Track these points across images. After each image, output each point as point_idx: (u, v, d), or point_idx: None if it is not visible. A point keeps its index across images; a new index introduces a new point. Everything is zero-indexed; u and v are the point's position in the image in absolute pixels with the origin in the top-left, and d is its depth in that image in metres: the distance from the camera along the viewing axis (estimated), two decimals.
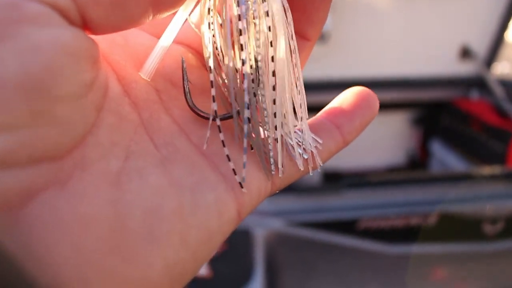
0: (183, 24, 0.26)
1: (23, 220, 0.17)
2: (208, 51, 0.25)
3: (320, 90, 1.91)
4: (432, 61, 2.21)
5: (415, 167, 2.42)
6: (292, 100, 0.26)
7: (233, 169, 0.24)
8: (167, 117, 0.25)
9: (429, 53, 2.20)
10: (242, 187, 0.24)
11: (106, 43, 0.25)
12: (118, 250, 0.19)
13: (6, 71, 0.16)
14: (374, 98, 0.30)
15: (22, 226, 0.17)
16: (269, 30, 0.24)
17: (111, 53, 0.25)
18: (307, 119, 0.28)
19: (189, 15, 0.26)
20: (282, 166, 0.26)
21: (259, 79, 0.25)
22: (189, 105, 0.26)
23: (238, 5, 0.23)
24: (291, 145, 0.27)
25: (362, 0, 2.00)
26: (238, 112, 0.25)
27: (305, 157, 0.27)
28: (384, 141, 2.42)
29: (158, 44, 0.26)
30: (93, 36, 0.21)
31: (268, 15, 0.24)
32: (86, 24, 0.20)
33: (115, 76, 0.24)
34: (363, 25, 2.06)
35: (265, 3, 0.24)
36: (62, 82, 0.18)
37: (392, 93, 2.21)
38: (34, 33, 0.17)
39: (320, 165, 0.28)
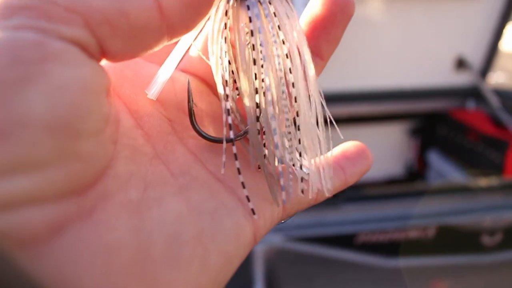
0: (188, 50, 0.27)
1: (53, 252, 0.18)
2: (222, 77, 0.26)
3: None
4: (428, 72, 2.23)
5: (413, 177, 2.42)
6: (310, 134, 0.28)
7: (247, 196, 0.25)
8: (181, 147, 0.26)
9: (425, 64, 2.21)
10: (254, 213, 0.25)
11: (116, 77, 0.25)
12: (143, 276, 0.20)
13: (34, 111, 0.17)
14: (369, 152, 0.33)
15: (53, 257, 0.18)
16: (287, 57, 0.25)
17: (121, 87, 0.26)
18: (325, 154, 0.29)
19: (194, 40, 0.27)
20: (291, 195, 0.27)
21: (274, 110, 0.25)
22: (192, 126, 0.26)
23: (252, 35, 0.24)
24: (302, 176, 0.27)
25: (357, 12, 2.02)
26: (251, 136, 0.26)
27: (314, 189, 0.28)
28: (382, 152, 2.43)
29: (164, 65, 0.26)
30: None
31: (284, 43, 0.25)
32: (104, 54, 0.21)
33: (126, 110, 0.25)
34: (358, 37, 2.07)
35: (281, 31, 0.25)
36: (86, 119, 0.19)
37: (388, 104, 2.22)
38: (59, 72, 0.18)
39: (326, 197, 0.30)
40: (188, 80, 0.27)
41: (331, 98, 2.18)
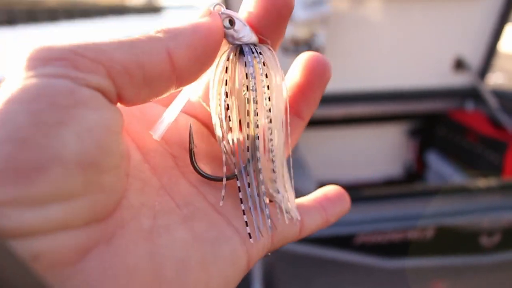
0: (191, 97, 0.31)
1: (80, 272, 0.20)
2: (219, 126, 0.30)
3: None
4: (427, 73, 2.23)
5: (412, 178, 2.42)
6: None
7: (246, 222, 0.28)
8: (184, 180, 0.29)
9: (424, 65, 2.22)
10: (250, 237, 0.28)
11: (126, 116, 0.27)
12: None
13: (68, 150, 0.20)
14: (347, 196, 0.37)
15: (80, 277, 0.20)
16: (269, 117, 0.29)
17: (130, 124, 0.28)
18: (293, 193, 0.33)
19: (197, 88, 0.32)
20: (274, 227, 0.30)
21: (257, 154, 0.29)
22: (193, 166, 0.29)
23: (247, 89, 0.28)
24: (286, 212, 0.31)
25: (356, 13, 2.02)
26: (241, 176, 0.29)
27: (297, 220, 0.32)
28: (381, 153, 2.43)
29: (169, 108, 0.29)
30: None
31: (269, 99, 0.29)
32: (120, 99, 0.24)
33: (134, 146, 0.28)
34: (356, 38, 2.08)
35: (268, 91, 0.29)
36: (108, 156, 0.22)
37: (387, 105, 2.23)
38: (87, 116, 0.21)
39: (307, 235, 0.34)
40: (190, 124, 0.30)
41: (330, 99, 2.19)
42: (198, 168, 0.29)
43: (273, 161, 0.30)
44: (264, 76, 0.28)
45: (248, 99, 0.28)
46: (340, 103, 2.11)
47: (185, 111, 0.33)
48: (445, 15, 2.10)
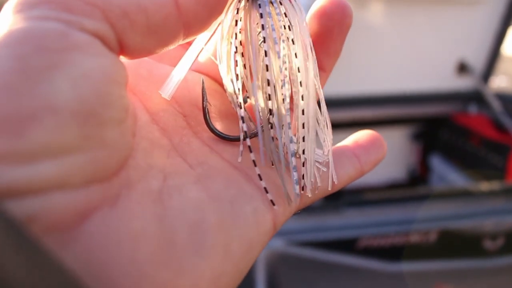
0: (202, 51, 0.28)
1: (81, 237, 0.18)
2: (235, 73, 0.27)
3: None
4: (430, 76, 2.23)
5: (416, 182, 2.41)
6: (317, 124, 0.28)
7: (265, 188, 0.25)
8: (197, 140, 0.27)
9: (427, 68, 2.21)
10: (274, 204, 0.25)
11: (132, 76, 0.26)
12: (170, 263, 0.20)
13: (62, 97, 0.18)
14: (383, 141, 0.33)
15: (80, 243, 0.18)
16: (296, 57, 0.26)
17: (136, 85, 0.27)
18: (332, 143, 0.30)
19: (207, 41, 0.28)
20: (310, 186, 0.27)
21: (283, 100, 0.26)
22: (207, 125, 0.27)
23: (263, 28, 0.25)
24: (317, 165, 0.28)
25: (359, 17, 2.03)
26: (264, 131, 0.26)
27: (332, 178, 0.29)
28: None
29: (178, 65, 0.27)
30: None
31: (293, 42, 0.26)
32: (122, 49, 0.22)
33: (142, 107, 0.26)
34: (359, 42, 2.08)
35: (290, 31, 0.26)
36: (109, 107, 0.20)
37: (391, 109, 2.22)
38: (83, 61, 0.19)
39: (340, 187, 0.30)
40: (203, 80, 0.28)
41: (333, 103, 2.19)
42: (212, 126, 0.27)
43: (303, 113, 0.26)
44: (283, 16, 0.26)
45: (265, 38, 0.25)
46: (343, 107, 2.11)
47: (196, 69, 0.31)
48: (448, 19, 2.09)
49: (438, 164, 2.28)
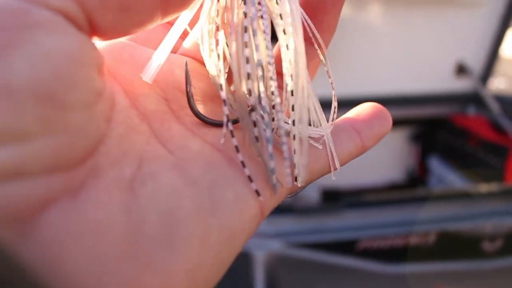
0: (185, 32, 0.27)
1: (37, 230, 0.17)
2: (217, 54, 0.25)
3: None
4: (428, 78, 2.23)
5: (414, 184, 2.42)
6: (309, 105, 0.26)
7: (249, 176, 0.23)
8: (178, 125, 0.25)
9: (425, 70, 2.22)
10: (259, 194, 0.23)
11: (113, 59, 0.25)
12: (136, 257, 0.18)
13: (18, 77, 0.16)
14: (388, 113, 0.30)
15: (36, 236, 0.17)
16: (284, 33, 0.24)
17: (117, 69, 0.25)
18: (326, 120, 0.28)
19: (190, 21, 0.26)
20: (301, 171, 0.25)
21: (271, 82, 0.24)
22: (191, 108, 0.26)
23: (245, 3, 0.23)
24: (312, 140, 0.26)
25: (357, 19, 2.03)
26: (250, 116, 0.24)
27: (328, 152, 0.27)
28: (383, 158, 2.43)
29: (159, 48, 0.26)
30: (99, 49, 0.21)
31: (281, 18, 0.23)
32: (94, 30, 0.20)
33: (121, 91, 0.24)
34: (358, 44, 2.08)
35: (279, 5, 0.23)
36: (73, 89, 0.18)
37: (389, 110, 2.20)
38: (44, 40, 0.17)
39: (339, 166, 0.27)
40: (186, 62, 0.26)
41: (331, 104, 2.18)
42: (196, 110, 0.26)
43: (292, 94, 0.24)
44: None
45: (245, 13, 0.23)
46: (342, 108, 2.10)
47: (182, 52, 0.29)
48: (446, 20, 2.10)
49: (436, 165, 2.29)
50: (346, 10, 2.01)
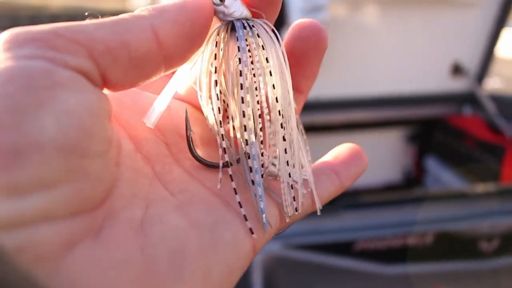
0: (184, 80, 0.29)
1: (66, 268, 0.19)
2: (213, 104, 0.28)
3: (312, 110, 1.93)
4: (425, 78, 2.24)
5: (411, 184, 2.42)
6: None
7: (245, 215, 0.26)
8: (178, 168, 0.27)
9: (421, 70, 2.23)
10: (252, 232, 0.25)
11: (117, 105, 0.26)
12: None
13: (47, 134, 0.18)
14: (364, 153, 0.33)
15: (65, 273, 0.19)
16: (273, 88, 0.27)
17: (121, 114, 0.27)
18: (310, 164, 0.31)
19: (189, 71, 0.29)
20: (292, 208, 0.28)
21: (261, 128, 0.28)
22: (192, 153, 0.28)
23: (240, 62, 0.26)
24: (296, 187, 0.28)
25: (354, 20, 2.04)
26: (242, 160, 0.27)
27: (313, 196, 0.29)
28: (380, 158, 2.43)
29: (161, 94, 0.28)
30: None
31: (271, 74, 0.27)
32: (105, 83, 0.23)
33: (126, 135, 0.26)
34: (354, 44, 2.09)
35: (266, 60, 0.27)
36: (92, 140, 0.20)
37: (386, 110, 2.23)
38: (67, 98, 0.19)
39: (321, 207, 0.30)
40: (186, 109, 0.29)
41: (328, 105, 2.19)
42: (196, 154, 0.28)
43: (284, 139, 0.27)
44: (260, 49, 0.26)
45: (241, 72, 0.26)
46: (338, 109, 2.11)
47: (178, 98, 0.32)
48: (442, 21, 2.11)
49: (433, 165, 2.29)
50: (342, 11, 2.01)
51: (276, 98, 0.27)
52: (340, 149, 0.33)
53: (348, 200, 1.36)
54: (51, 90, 0.19)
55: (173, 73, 0.28)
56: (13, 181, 0.17)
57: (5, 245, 0.17)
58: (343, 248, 1.29)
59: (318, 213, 0.30)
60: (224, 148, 0.27)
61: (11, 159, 0.17)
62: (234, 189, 0.26)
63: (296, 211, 0.28)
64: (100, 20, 0.22)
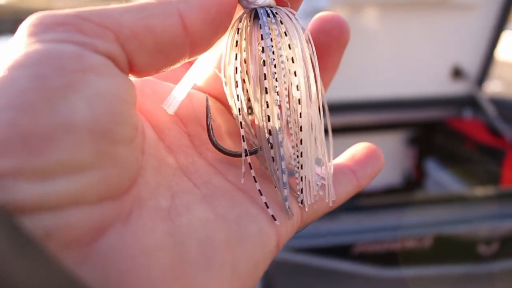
0: (204, 69, 0.29)
1: (96, 253, 0.19)
2: (237, 93, 0.28)
3: None
4: (425, 81, 2.24)
5: (411, 187, 2.42)
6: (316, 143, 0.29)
7: (265, 202, 0.26)
8: (201, 159, 0.27)
9: (422, 73, 2.22)
10: (275, 219, 0.26)
11: (138, 94, 0.26)
12: (181, 278, 0.20)
13: (78, 116, 0.18)
14: (380, 153, 0.33)
15: (96, 259, 0.18)
16: (295, 75, 0.27)
17: (143, 104, 0.27)
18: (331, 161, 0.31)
19: (210, 59, 0.29)
20: (308, 203, 0.28)
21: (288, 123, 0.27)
22: (211, 141, 0.28)
23: (263, 51, 0.26)
24: (316, 184, 0.29)
25: (354, 22, 2.04)
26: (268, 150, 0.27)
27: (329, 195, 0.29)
28: None
29: (181, 82, 0.28)
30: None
31: (293, 61, 0.26)
32: (131, 69, 0.22)
33: (148, 124, 0.26)
34: (354, 47, 2.09)
35: (291, 50, 0.26)
36: (121, 126, 0.20)
37: (385, 113, 2.23)
38: (97, 82, 0.19)
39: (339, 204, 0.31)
40: (207, 97, 0.29)
41: (328, 108, 2.18)
42: (216, 143, 0.27)
43: (301, 130, 0.27)
44: (283, 35, 0.26)
45: (264, 61, 0.25)
46: (338, 112, 2.11)
47: (200, 88, 0.32)
48: (442, 24, 2.11)
49: (433, 168, 2.29)
50: (342, 14, 2.01)
51: (297, 87, 0.27)
52: (357, 149, 0.34)
53: (347, 203, 1.36)
54: (82, 74, 0.19)
55: (192, 62, 0.28)
56: (43, 163, 0.17)
57: (36, 229, 0.16)
58: (342, 251, 1.30)
59: (330, 204, 0.30)
60: (246, 137, 0.27)
61: (42, 140, 0.17)
62: (254, 177, 0.26)
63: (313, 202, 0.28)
64: (126, 4, 0.22)
